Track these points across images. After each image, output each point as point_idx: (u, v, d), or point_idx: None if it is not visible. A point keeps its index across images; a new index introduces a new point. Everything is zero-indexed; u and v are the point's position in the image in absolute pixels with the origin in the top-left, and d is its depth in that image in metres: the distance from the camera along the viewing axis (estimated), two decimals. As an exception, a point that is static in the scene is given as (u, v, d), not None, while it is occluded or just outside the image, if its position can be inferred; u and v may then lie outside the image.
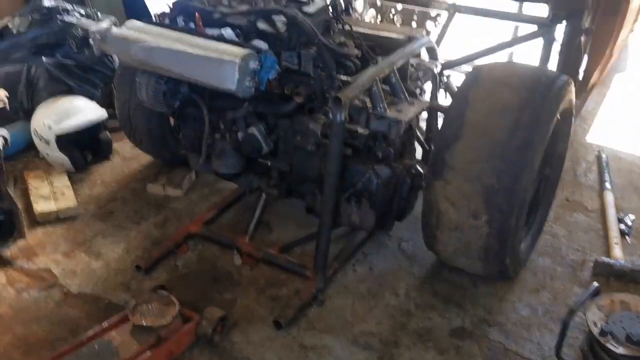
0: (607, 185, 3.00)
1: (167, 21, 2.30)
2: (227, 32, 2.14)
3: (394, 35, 2.59)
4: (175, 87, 2.19)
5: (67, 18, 3.02)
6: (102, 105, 3.12)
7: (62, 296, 2.26)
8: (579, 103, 3.27)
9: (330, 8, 2.29)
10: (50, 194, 2.78)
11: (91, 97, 3.12)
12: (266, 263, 2.42)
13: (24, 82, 2.98)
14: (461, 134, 2.03)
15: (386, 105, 2.18)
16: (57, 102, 3.01)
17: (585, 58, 3.13)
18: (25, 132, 3.09)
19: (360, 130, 2.16)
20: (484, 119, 2.02)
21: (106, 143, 3.12)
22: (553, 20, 2.61)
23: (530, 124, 1.97)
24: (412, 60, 2.53)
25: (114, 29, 2.16)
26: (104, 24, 2.17)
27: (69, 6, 3.11)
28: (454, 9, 3.02)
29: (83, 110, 3.02)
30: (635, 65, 4.49)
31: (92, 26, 2.17)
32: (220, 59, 1.96)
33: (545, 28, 2.73)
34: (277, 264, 2.40)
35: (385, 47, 2.51)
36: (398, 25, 3.43)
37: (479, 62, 2.83)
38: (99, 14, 3.18)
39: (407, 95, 2.30)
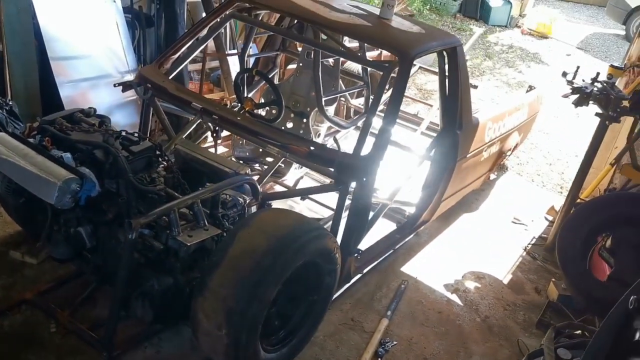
0: (389, 312, 3.66)
1: (36, 137, 2.98)
2: (67, 156, 2.81)
3: (223, 168, 3.29)
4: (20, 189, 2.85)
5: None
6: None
7: None
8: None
9: (157, 148, 3.00)
10: None
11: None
12: (74, 334, 3.00)
13: None
14: (221, 263, 2.68)
15: (180, 229, 2.83)
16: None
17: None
18: None
19: (156, 244, 2.81)
20: (238, 256, 2.67)
21: (-10, 208, 3.73)
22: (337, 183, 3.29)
23: (267, 266, 2.63)
24: (229, 192, 3.21)
25: (-17, 137, 2.83)
26: (-22, 131, 2.85)
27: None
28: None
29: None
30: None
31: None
32: (47, 179, 2.62)
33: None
34: (81, 336, 2.98)
35: (214, 174, 3.21)
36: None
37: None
38: (12, 103, 3.88)
39: (205, 222, 2.95)
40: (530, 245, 4.89)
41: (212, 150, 4.22)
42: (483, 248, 4.70)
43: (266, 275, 2.63)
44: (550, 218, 5.32)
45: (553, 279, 4.26)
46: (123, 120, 4.70)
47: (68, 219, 2.91)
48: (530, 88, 6.04)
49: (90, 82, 4.50)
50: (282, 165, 4.21)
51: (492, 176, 5.50)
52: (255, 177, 4.13)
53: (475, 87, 5.17)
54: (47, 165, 2.70)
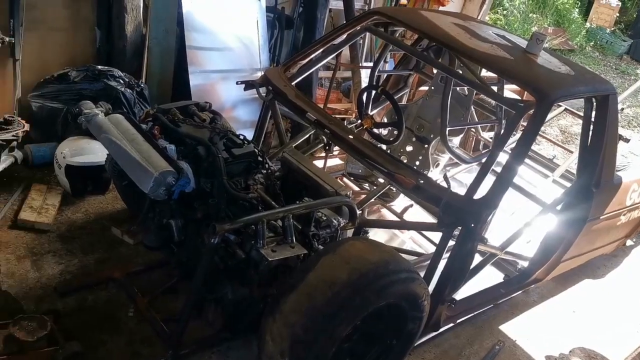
0: (473, 373, 3.31)
1: (148, 123, 3.03)
2: (171, 147, 2.81)
3: (325, 185, 3.14)
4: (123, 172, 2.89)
5: (111, 82, 3.89)
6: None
7: (-7, 289, 2.99)
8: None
9: (258, 155, 2.92)
10: (39, 207, 3.56)
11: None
12: (148, 322, 3.01)
13: (61, 119, 3.85)
14: (297, 287, 2.53)
15: (266, 242, 2.72)
16: (79, 139, 3.81)
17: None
18: (53, 152, 3.94)
19: (239, 252, 2.72)
20: (315, 284, 2.50)
21: (105, 182, 3.88)
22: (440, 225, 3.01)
23: (344, 301, 2.43)
24: (326, 211, 3.06)
25: (99, 117, 2.91)
26: (96, 110, 2.94)
27: (117, 73, 3.99)
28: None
29: (95, 153, 3.78)
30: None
31: (86, 108, 2.93)
32: (146, 167, 2.63)
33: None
34: (153, 326, 2.98)
35: (314, 189, 3.07)
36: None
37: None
38: (144, 86, 4.05)
39: (293, 238, 2.82)
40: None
41: (322, 163, 4.11)
42: (602, 323, 4.13)
43: (341, 310, 2.43)
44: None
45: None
46: (245, 116, 4.74)
47: (162, 210, 2.92)
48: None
49: (220, 74, 4.58)
50: (393, 189, 4.00)
51: (629, 242, 4.87)
52: (362, 197, 4.00)
53: (627, 140, 4.61)
54: (150, 154, 2.70)
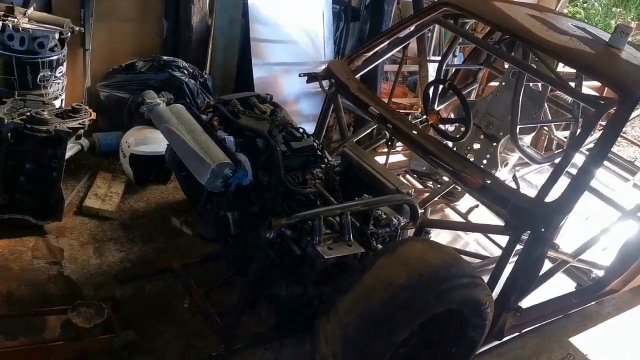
0: (540, 387, 3.11)
1: (208, 113, 3.00)
2: (229, 139, 2.77)
3: (386, 182, 3.02)
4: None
5: (175, 73, 3.91)
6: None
7: (56, 274, 3.03)
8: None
9: (317, 149, 2.83)
10: (103, 195, 3.62)
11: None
12: (202, 315, 2.99)
13: (127, 108, 3.90)
14: (353, 287, 2.43)
15: (322, 239, 2.63)
16: (144, 129, 3.85)
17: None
18: (119, 141, 4.01)
19: (295, 248, 2.65)
20: (372, 285, 2.40)
21: (167, 172, 3.91)
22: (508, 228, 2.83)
23: (401, 305, 2.32)
24: (386, 209, 2.94)
25: (160, 106, 2.91)
26: (158, 100, 2.93)
27: (181, 64, 4.01)
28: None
29: (158, 143, 3.81)
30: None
31: (148, 98, 2.93)
32: (203, 159, 2.59)
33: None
34: (207, 319, 2.95)
35: (375, 186, 2.97)
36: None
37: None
38: (207, 77, 4.05)
39: (351, 236, 2.71)
40: None
41: (384, 158, 3.99)
42: (683, 340, 3.82)
43: (397, 313, 2.32)
44: None
45: None
46: (307, 109, 4.67)
47: (220, 202, 2.88)
48: None
49: (284, 66, 4.53)
50: (458, 188, 3.83)
51: None
52: (425, 195, 3.85)
53: None
54: (208, 145, 2.67)
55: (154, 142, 3.81)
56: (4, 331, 2.48)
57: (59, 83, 3.66)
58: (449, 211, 4.22)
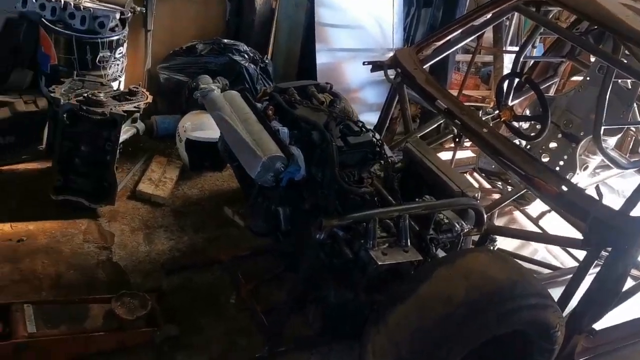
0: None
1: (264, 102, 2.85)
2: (284, 130, 2.60)
3: (450, 183, 2.79)
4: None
5: (235, 57, 3.79)
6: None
7: (105, 259, 2.98)
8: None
9: (376, 145, 2.62)
10: (157, 180, 3.56)
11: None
12: (248, 312, 2.86)
13: (185, 91, 3.81)
14: (407, 299, 2.23)
15: (377, 242, 2.44)
16: (201, 114, 3.74)
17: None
18: (177, 124, 3.93)
19: (346, 251, 2.47)
20: (427, 297, 2.19)
21: (222, 159, 3.80)
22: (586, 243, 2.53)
23: (459, 323, 2.10)
24: (448, 213, 2.71)
25: (214, 92, 2.78)
26: (212, 85, 2.81)
27: (242, 47, 3.88)
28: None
29: (215, 129, 3.71)
30: None
31: (202, 83, 2.81)
32: (254, 151, 2.44)
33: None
34: (253, 317, 2.82)
35: (437, 187, 2.74)
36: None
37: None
38: (268, 62, 3.90)
39: (408, 241, 2.51)
40: None
41: (450, 155, 3.74)
42: None
43: (454, 332, 2.11)
44: None
45: None
46: (372, 98, 4.46)
47: (271, 196, 2.74)
48: None
49: (349, 53, 4.32)
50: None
51: None
52: (493, 197, 3.58)
53: None
54: (261, 137, 2.51)
55: (211, 128, 3.69)
56: (46, 318, 2.44)
57: (118, 64, 3.61)
58: (518, 214, 3.93)
